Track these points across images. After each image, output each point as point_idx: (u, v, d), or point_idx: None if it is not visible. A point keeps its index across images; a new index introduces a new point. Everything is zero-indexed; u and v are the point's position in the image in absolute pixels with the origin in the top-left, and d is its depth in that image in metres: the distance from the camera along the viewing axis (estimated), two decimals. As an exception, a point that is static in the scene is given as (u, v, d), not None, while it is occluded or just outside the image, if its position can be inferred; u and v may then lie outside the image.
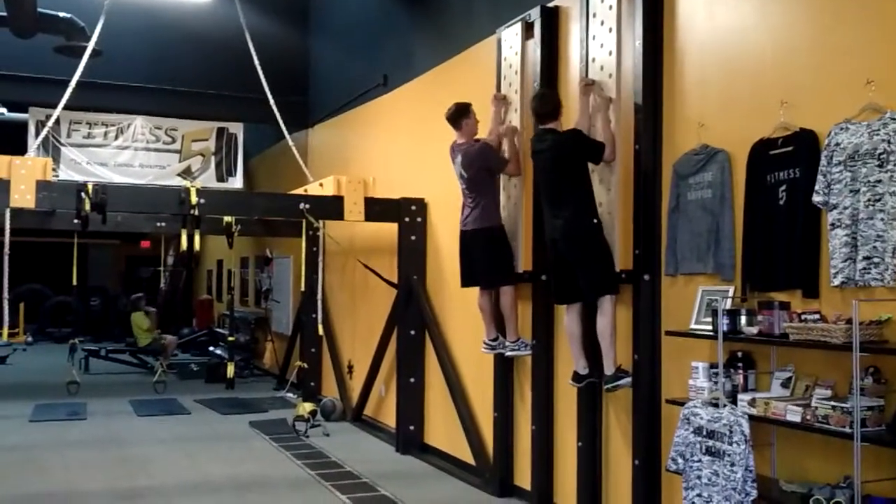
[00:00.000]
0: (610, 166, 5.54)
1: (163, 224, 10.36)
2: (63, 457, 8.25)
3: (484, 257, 6.53)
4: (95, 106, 11.92)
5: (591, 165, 5.59)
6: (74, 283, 12.34)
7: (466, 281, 6.73)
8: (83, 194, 7.59)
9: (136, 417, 10.60)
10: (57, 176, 11.06)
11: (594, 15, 5.78)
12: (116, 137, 12.36)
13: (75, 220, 8.04)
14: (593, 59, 5.77)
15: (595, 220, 5.38)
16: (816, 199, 4.14)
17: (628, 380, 5.33)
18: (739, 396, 4.39)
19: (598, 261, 5.36)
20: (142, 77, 11.98)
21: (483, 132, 6.75)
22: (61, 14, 10.48)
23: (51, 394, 11.82)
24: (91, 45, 9.34)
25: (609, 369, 5.37)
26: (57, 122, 10.78)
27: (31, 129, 11.59)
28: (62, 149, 11.97)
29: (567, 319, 5.65)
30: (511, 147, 6.59)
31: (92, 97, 11.02)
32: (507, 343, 6.60)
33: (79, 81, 9.23)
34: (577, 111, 5.77)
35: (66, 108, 9.53)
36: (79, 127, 12.14)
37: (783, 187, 4.39)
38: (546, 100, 5.74)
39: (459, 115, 6.67)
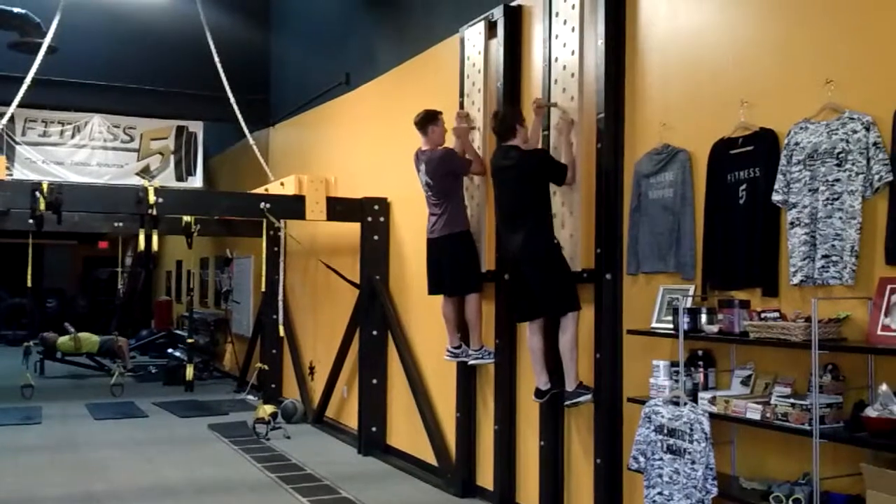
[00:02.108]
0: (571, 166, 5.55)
1: (120, 224, 10.13)
2: (17, 462, 8.06)
3: (452, 264, 6.49)
4: (51, 104, 11.72)
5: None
6: (29, 284, 12.10)
7: (434, 289, 6.71)
8: (38, 193, 7.43)
9: (93, 421, 10.41)
10: (11, 175, 10.85)
11: (557, 14, 5.78)
12: (73, 136, 12.18)
13: (30, 220, 7.86)
14: (556, 59, 5.77)
15: (554, 241, 5.40)
16: (776, 197, 4.18)
17: (589, 396, 5.33)
18: (700, 394, 4.41)
19: (556, 279, 5.36)
20: (99, 74, 11.78)
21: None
22: (15, 10, 10.30)
23: (5, 398, 11.56)
24: (47, 42, 9.18)
25: (570, 385, 5.37)
26: (11, 119, 10.58)
27: (-15, 127, 11.37)
28: (17, 147, 11.76)
29: (529, 335, 5.64)
30: (470, 148, 6.58)
31: (48, 95, 10.82)
32: (471, 351, 6.58)
33: (34, 78, 9.06)
34: (531, 127, 5.77)
35: (20, 105, 9.34)
36: (34, 125, 11.94)
37: (743, 186, 4.42)
38: (504, 119, 5.68)
39: (427, 120, 6.63)
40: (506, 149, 5.62)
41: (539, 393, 5.65)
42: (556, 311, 5.42)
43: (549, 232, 5.43)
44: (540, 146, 5.75)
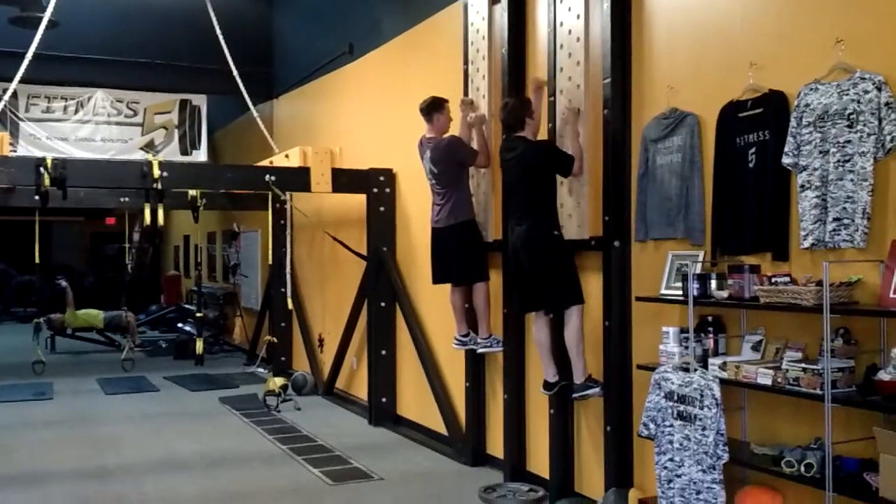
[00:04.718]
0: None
1: (126, 199, 10.13)
2: (29, 437, 8.12)
3: (458, 253, 6.44)
4: (54, 79, 11.64)
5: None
6: (37, 261, 12.12)
7: (439, 278, 6.67)
8: (42, 169, 7.40)
9: (104, 396, 10.47)
10: (15, 151, 10.82)
11: (561, -22, 5.69)
12: (76, 111, 12.09)
13: (35, 197, 7.85)
14: (561, 23, 5.69)
15: (556, 232, 5.34)
16: (786, 160, 4.12)
17: (597, 389, 5.30)
18: (710, 360, 4.38)
19: (558, 273, 5.31)
20: (101, 49, 11.69)
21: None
22: (15, -16, 10.20)
23: (16, 374, 11.64)
24: (47, 16, 9.11)
25: (578, 378, 5.34)
26: (14, 95, 10.52)
27: (-12, 103, 11.32)
28: (20, 123, 11.69)
29: (535, 328, 5.62)
30: (480, 138, 6.50)
31: (50, 70, 10.78)
32: (479, 340, 6.54)
33: (36, 54, 9.00)
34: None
35: (23, 81, 9.29)
36: (37, 101, 11.86)
37: (753, 150, 4.36)
38: (513, 111, 5.55)
39: (433, 108, 6.54)
40: (513, 139, 5.54)
41: (547, 385, 5.63)
42: (557, 306, 5.40)
43: (551, 223, 5.37)
44: (540, 126, 5.61)
